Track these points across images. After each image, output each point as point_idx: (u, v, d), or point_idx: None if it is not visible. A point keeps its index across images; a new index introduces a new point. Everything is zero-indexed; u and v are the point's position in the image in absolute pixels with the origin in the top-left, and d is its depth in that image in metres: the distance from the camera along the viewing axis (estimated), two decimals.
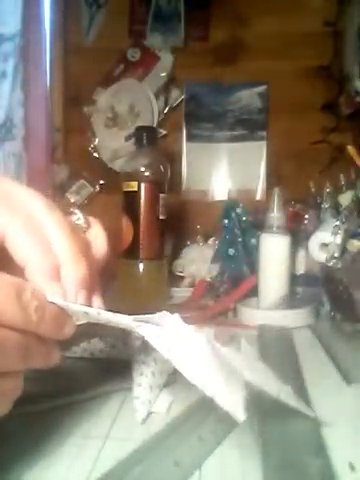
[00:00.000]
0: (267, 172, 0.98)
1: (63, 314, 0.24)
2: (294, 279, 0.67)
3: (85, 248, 0.27)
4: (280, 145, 0.97)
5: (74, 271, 0.25)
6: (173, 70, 1.00)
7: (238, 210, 0.75)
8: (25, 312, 0.22)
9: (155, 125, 0.98)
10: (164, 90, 1.00)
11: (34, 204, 0.26)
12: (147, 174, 0.70)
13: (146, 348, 0.37)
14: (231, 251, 0.74)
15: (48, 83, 1.00)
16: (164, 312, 0.26)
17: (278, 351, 0.48)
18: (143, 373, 0.35)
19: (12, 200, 0.25)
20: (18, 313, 0.21)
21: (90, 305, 0.26)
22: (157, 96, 1.00)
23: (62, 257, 0.25)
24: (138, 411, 0.32)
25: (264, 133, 0.98)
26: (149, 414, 0.32)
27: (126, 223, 0.69)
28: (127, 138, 0.98)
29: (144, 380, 0.34)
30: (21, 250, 0.24)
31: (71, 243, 0.26)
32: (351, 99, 0.87)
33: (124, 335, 0.43)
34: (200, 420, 0.31)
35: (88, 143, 1.02)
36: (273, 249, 0.64)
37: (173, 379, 0.38)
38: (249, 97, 0.98)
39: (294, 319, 0.59)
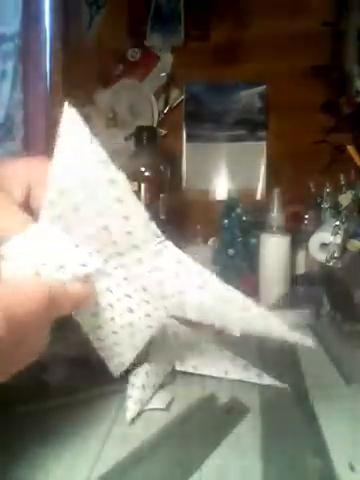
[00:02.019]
0: (267, 172, 0.98)
1: (82, 289, 0.27)
2: (294, 279, 0.67)
3: None
4: (280, 145, 0.97)
5: None
6: (173, 70, 1.00)
7: (238, 210, 0.75)
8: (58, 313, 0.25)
9: (155, 125, 0.98)
10: (164, 90, 1.00)
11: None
12: (147, 174, 0.70)
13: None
14: (231, 251, 0.74)
15: (48, 83, 1.00)
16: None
17: (278, 351, 0.48)
18: (137, 373, 0.35)
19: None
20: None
21: None
22: (157, 96, 1.00)
23: None
24: (129, 410, 0.32)
25: (264, 133, 0.98)
26: (140, 413, 0.32)
27: None
28: (127, 138, 0.98)
29: (137, 380, 0.34)
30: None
31: None
32: (351, 99, 0.87)
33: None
34: (200, 420, 0.31)
35: None
36: (273, 249, 0.64)
37: (171, 379, 0.38)
38: (249, 97, 0.98)
39: (294, 319, 0.59)
